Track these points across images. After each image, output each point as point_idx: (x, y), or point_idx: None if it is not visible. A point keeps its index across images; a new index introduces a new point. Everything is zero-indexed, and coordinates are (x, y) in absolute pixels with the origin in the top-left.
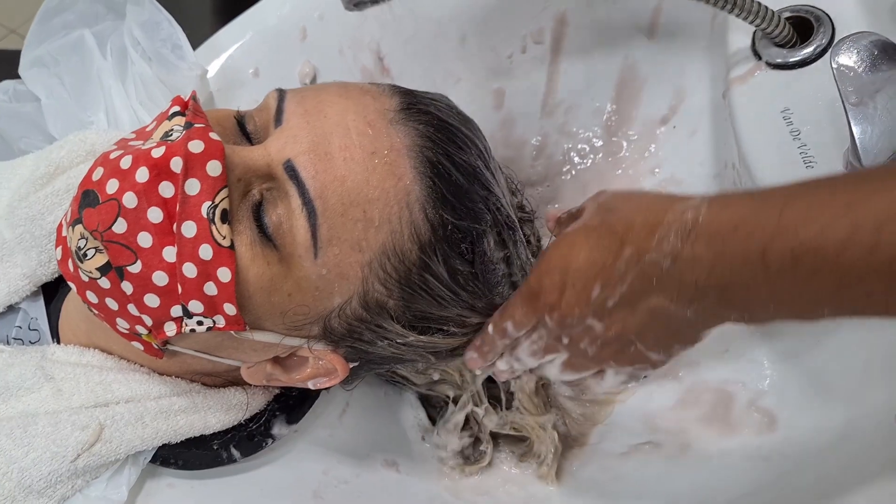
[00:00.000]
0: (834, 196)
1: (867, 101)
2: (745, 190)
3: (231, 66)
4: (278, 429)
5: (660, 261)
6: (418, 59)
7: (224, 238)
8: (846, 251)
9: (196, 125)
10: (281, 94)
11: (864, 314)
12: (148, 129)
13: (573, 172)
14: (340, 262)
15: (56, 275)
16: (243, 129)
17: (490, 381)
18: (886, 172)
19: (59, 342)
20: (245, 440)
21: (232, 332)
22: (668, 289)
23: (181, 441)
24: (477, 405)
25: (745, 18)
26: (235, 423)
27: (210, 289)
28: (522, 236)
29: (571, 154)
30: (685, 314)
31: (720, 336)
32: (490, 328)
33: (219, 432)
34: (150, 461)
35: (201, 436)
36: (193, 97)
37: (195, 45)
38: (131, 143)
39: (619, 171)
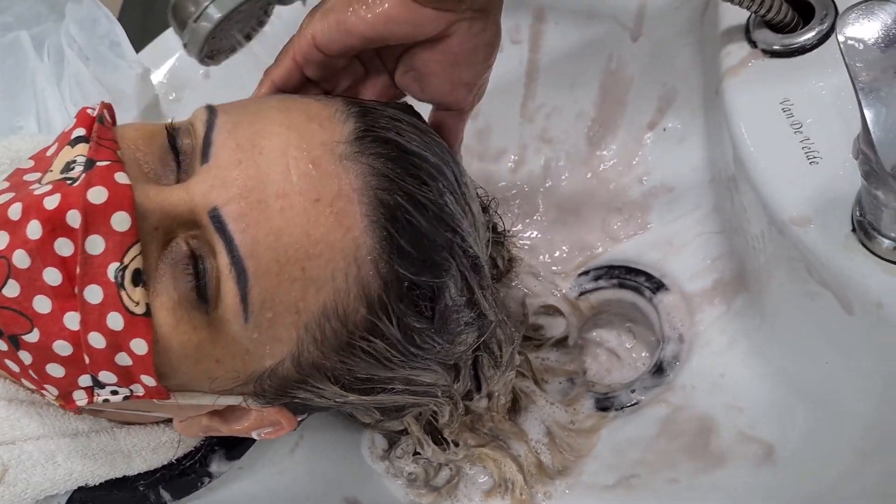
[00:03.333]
0: None
1: (881, 79)
2: None
3: (181, 66)
4: (217, 466)
5: None
6: None
7: (137, 305)
8: None
9: (99, 163)
10: (210, 117)
11: None
12: (48, 154)
13: (553, 184)
14: (274, 324)
15: None
16: (175, 149)
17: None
18: None
19: None
20: (177, 479)
21: (154, 400)
22: None
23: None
24: (422, 446)
25: (740, 4)
26: (165, 462)
27: (123, 359)
28: (489, 276)
29: (552, 164)
30: None
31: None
32: None
33: (145, 472)
34: None
35: (124, 476)
36: (100, 114)
37: None
38: (27, 175)
39: (603, 180)
